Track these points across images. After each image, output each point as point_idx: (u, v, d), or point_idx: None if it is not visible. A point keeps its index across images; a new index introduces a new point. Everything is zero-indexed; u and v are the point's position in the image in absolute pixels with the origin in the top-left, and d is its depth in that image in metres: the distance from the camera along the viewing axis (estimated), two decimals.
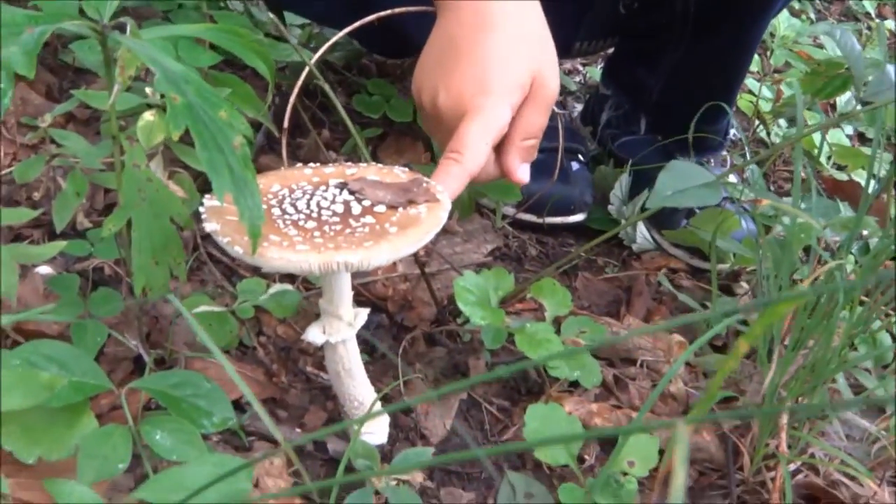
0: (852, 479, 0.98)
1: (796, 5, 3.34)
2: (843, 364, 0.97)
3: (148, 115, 0.91)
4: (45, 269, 1.01)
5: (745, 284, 1.36)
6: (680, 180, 0.93)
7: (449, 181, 0.85)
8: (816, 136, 1.87)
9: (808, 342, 0.96)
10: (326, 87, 0.94)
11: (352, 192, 0.79)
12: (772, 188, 1.77)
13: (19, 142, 1.17)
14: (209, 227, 0.73)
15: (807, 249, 1.18)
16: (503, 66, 0.91)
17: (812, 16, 3.40)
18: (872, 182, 0.99)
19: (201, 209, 0.76)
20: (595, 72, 1.97)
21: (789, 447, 0.96)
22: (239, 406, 0.92)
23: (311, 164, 0.86)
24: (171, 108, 0.65)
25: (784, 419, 0.93)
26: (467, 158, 0.86)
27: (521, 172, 0.94)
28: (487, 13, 0.93)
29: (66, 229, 1.00)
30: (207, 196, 0.77)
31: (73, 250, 0.97)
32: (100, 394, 0.79)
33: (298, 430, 0.94)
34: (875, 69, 0.96)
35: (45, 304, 0.99)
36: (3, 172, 1.14)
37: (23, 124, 1.18)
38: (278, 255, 0.69)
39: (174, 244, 0.78)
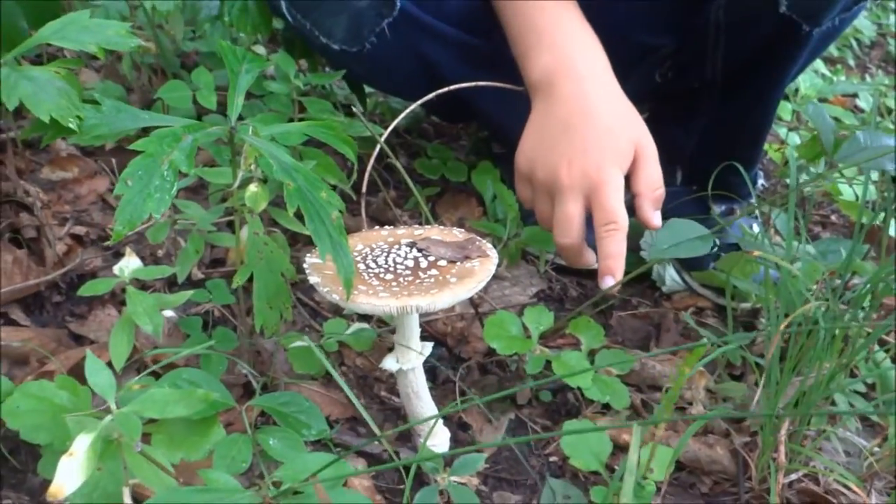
0: (848, 489, 1.14)
1: (835, 52, 3.46)
2: (836, 387, 1.14)
3: (253, 187, 1.13)
4: (169, 313, 1.24)
5: (763, 321, 1.53)
6: (676, 235, 1.13)
7: (619, 246, 1.08)
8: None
9: (802, 369, 1.14)
10: (398, 164, 1.16)
11: (419, 250, 1.00)
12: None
13: None
14: (312, 279, 0.95)
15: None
16: (616, 139, 1.13)
17: (851, 62, 3.52)
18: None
19: (304, 265, 0.98)
20: None
21: (791, 461, 1.13)
22: (328, 423, 1.13)
23: (387, 227, 1.08)
24: (286, 192, 0.86)
25: (783, 434, 1.10)
26: (621, 223, 1.08)
27: (656, 219, 1.15)
28: (589, 98, 1.16)
29: (184, 280, 1.23)
30: (308, 254, 0.99)
31: (197, 297, 1.19)
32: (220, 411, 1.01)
33: (376, 442, 1.15)
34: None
35: (170, 340, 1.22)
36: (130, 233, 1.38)
37: None
38: (366, 301, 0.90)
39: (283, 293, 1.00)
